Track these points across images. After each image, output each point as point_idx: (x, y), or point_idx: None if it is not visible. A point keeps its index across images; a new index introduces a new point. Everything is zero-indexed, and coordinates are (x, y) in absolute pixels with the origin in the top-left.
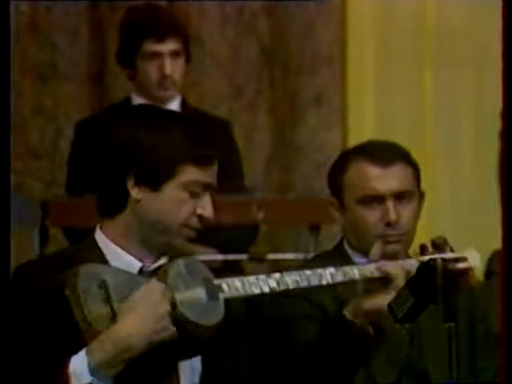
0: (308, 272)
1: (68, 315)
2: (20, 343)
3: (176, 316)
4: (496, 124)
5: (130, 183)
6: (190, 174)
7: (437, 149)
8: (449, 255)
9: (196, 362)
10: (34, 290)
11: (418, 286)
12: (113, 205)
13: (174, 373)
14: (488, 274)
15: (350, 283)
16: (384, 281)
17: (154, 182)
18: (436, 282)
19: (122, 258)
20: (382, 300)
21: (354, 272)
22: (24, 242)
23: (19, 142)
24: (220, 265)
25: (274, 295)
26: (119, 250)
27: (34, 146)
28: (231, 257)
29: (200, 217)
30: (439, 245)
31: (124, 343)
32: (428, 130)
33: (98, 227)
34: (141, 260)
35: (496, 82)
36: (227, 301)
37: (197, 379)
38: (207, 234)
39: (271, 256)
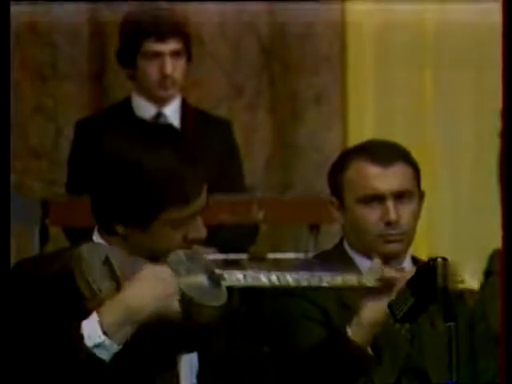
0: (307, 275)
1: (74, 288)
2: (27, 330)
3: (181, 299)
4: (496, 124)
5: (114, 221)
6: (176, 213)
7: (437, 149)
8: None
9: (195, 361)
10: (33, 276)
11: (418, 286)
12: (104, 228)
13: (174, 372)
14: (488, 273)
15: (349, 289)
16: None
17: (138, 224)
18: (436, 282)
19: None
20: (381, 310)
21: (353, 279)
22: (24, 242)
23: (19, 142)
24: (220, 264)
25: (275, 295)
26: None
27: (34, 145)
28: (231, 256)
29: (191, 240)
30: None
31: (132, 309)
32: (428, 129)
33: (96, 230)
34: None
35: (496, 82)
36: (229, 289)
37: (195, 378)
38: (207, 233)
39: (271, 255)
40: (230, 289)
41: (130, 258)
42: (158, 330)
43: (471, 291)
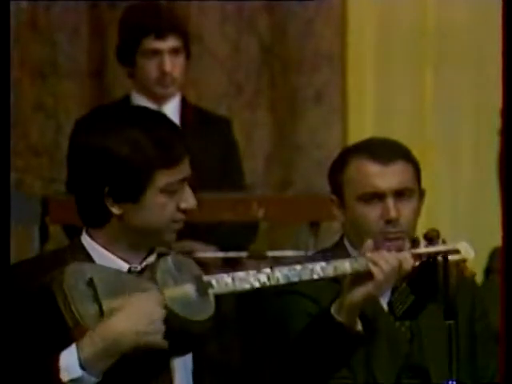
0: (298, 267)
1: (56, 313)
2: (11, 342)
3: (167, 313)
4: (496, 123)
5: (109, 202)
6: (164, 178)
7: (437, 147)
8: (441, 247)
9: (189, 361)
10: (22, 290)
11: (418, 284)
12: (96, 220)
13: (168, 373)
14: (488, 271)
15: (341, 277)
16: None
17: (132, 195)
18: (436, 280)
19: (109, 261)
20: (365, 289)
21: (345, 266)
22: (24, 240)
23: (19, 140)
24: (220, 262)
25: (275, 293)
26: (106, 253)
27: (35, 143)
28: (231, 254)
29: (184, 210)
30: (432, 237)
31: (114, 339)
32: (428, 128)
33: (84, 230)
34: (128, 261)
35: (496, 81)
36: (218, 296)
37: (190, 378)
38: (207, 231)
39: (271, 253)
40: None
41: (114, 277)
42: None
43: (465, 262)
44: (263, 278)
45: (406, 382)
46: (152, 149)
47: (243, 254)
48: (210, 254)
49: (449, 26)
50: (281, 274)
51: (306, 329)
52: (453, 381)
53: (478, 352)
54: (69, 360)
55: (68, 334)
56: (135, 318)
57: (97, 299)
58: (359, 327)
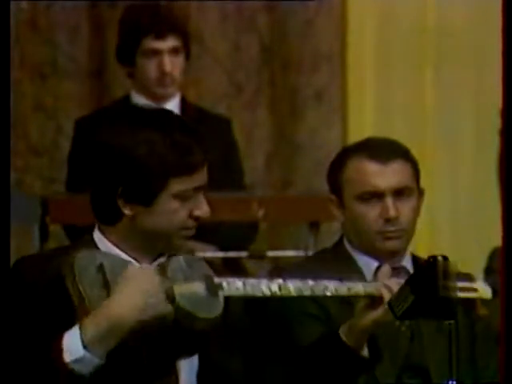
0: (311, 282)
1: (65, 295)
2: (18, 330)
3: (174, 308)
4: (496, 122)
5: (121, 202)
6: (180, 184)
7: (437, 147)
8: (460, 285)
9: (194, 361)
10: (32, 278)
11: (417, 284)
12: (108, 218)
13: (174, 373)
14: (488, 271)
15: (354, 297)
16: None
17: (144, 199)
18: (436, 280)
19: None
20: (376, 315)
21: (359, 288)
22: (24, 239)
23: (19, 139)
24: (220, 262)
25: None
26: (118, 251)
27: (34, 143)
28: (231, 254)
29: (196, 217)
30: (465, 277)
31: (116, 317)
32: (428, 128)
33: (96, 227)
34: (138, 261)
35: (496, 81)
36: (226, 299)
37: (195, 379)
38: (207, 231)
39: (271, 253)
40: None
41: (124, 265)
42: (154, 336)
43: (483, 300)
44: (274, 288)
45: (406, 381)
46: (170, 154)
47: (243, 254)
48: (210, 253)
49: (449, 26)
50: (293, 286)
51: (313, 346)
52: (453, 381)
53: (478, 352)
54: (71, 340)
55: (75, 318)
56: (134, 294)
57: (106, 285)
58: (365, 353)
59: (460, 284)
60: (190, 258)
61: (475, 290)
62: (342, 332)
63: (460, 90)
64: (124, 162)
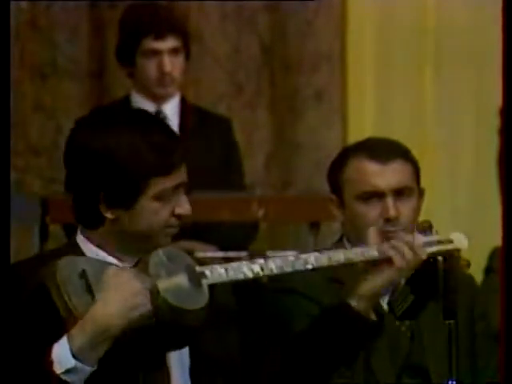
0: (292, 257)
1: (51, 306)
2: (9, 338)
3: (159, 303)
4: (496, 122)
5: (103, 207)
6: (160, 185)
7: (437, 147)
8: (434, 238)
9: (186, 357)
10: (19, 287)
11: (418, 284)
12: (90, 222)
13: (165, 369)
14: (488, 270)
15: (347, 266)
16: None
17: (126, 202)
18: (436, 280)
19: (104, 260)
20: (387, 276)
21: (339, 256)
22: (24, 239)
23: (19, 139)
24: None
25: (273, 292)
26: (101, 253)
27: (34, 143)
28: (231, 254)
29: (178, 215)
30: (424, 229)
31: (102, 322)
32: (428, 128)
33: (79, 230)
34: (124, 262)
35: (496, 81)
36: (212, 289)
37: (187, 375)
38: (208, 231)
39: (271, 253)
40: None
41: (106, 267)
42: (143, 331)
43: (459, 252)
44: (257, 268)
45: (406, 381)
46: (149, 155)
47: (243, 254)
48: (210, 253)
49: (449, 26)
50: (274, 265)
51: (318, 321)
52: (453, 380)
53: (477, 351)
54: (61, 351)
55: (63, 328)
56: (117, 297)
57: (90, 290)
58: (373, 316)
59: (436, 237)
60: (170, 251)
61: (451, 241)
62: (352, 300)
63: (460, 90)
64: (104, 165)
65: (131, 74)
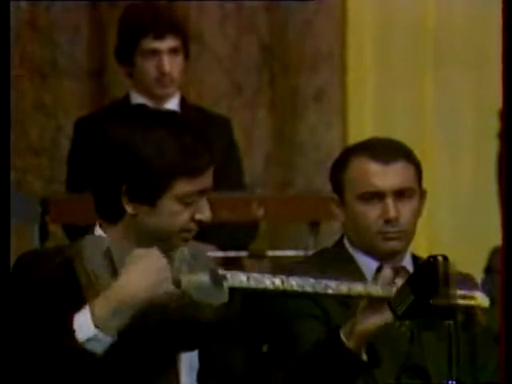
0: (312, 280)
1: (76, 282)
2: (26, 321)
3: (180, 296)
4: (496, 122)
5: (125, 200)
6: (184, 186)
7: (436, 147)
8: (459, 293)
9: (195, 360)
10: (38, 266)
11: (418, 284)
12: (110, 215)
13: (174, 371)
14: (487, 270)
15: (355, 298)
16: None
17: (148, 198)
18: (436, 280)
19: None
20: (381, 318)
21: (359, 288)
22: (24, 239)
23: (19, 139)
24: (220, 262)
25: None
26: None
27: (34, 142)
28: (231, 254)
29: (198, 221)
30: (465, 281)
31: (126, 292)
32: (428, 128)
33: (97, 225)
34: None
35: (496, 81)
36: (231, 290)
37: (195, 378)
38: (207, 230)
39: (271, 253)
40: (231, 289)
41: (130, 251)
42: (158, 327)
43: (482, 309)
44: (278, 282)
45: (405, 381)
46: (176, 155)
47: (243, 254)
48: (210, 253)
49: (449, 26)
50: (295, 282)
51: (313, 349)
52: (452, 380)
53: (477, 352)
54: (82, 320)
55: (84, 300)
56: (143, 272)
57: (113, 268)
58: (364, 357)
59: (458, 292)
60: (195, 251)
61: (473, 297)
62: (344, 334)
63: (460, 90)
64: (131, 160)
65: (130, 73)
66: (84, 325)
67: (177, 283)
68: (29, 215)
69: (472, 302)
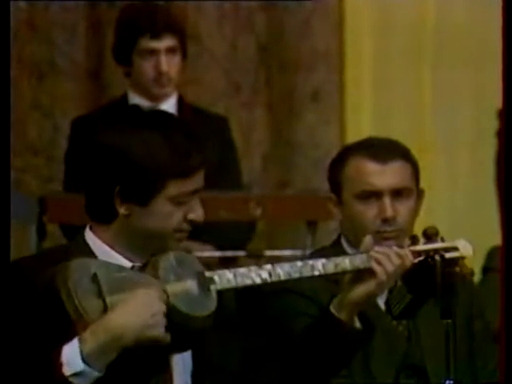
0: (299, 263)
1: (60, 308)
2: (14, 337)
3: (168, 308)
4: (495, 122)
5: (117, 201)
6: (177, 187)
7: (435, 147)
8: (440, 245)
9: (188, 360)
10: (26, 285)
11: (415, 283)
12: (103, 216)
13: (167, 372)
14: (486, 269)
15: (342, 274)
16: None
17: (141, 199)
18: (434, 279)
19: (112, 258)
20: (367, 288)
21: (346, 263)
22: (21, 238)
23: (17, 139)
24: (217, 261)
25: (273, 292)
26: (109, 251)
27: (32, 142)
28: (228, 253)
29: (190, 221)
30: (430, 235)
31: (116, 332)
32: (426, 127)
33: (87, 227)
34: (132, 260)
35: (495, 80)
36: (220, 294)
37: (189, 378)
38: (205, 230)
39: (268, 252)
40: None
41: (118, 273)
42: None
43: (463, 260)
44: (265, 274)
45: (403, 381)
46: (168, 156)
47: (241, 253)
48: (208, 253)
49: (448, 25)
50: (282, 271)
51: (307, 328)
52: (450, 380)
53: (475, 351)
54: (71, 354)
55: (71, 330)
56: (137, 311)
57: (100, 295)
58: (357, 325)
59: (441, 244)
60: (180, 255)
61: (456, 248)
62: (334, 307)
63: (459, 90)
64: (123, 161)
65: (128, 73)
66: (72, 359)
67: (164, 297)
68: (26, 215)
69: (456, 254)
